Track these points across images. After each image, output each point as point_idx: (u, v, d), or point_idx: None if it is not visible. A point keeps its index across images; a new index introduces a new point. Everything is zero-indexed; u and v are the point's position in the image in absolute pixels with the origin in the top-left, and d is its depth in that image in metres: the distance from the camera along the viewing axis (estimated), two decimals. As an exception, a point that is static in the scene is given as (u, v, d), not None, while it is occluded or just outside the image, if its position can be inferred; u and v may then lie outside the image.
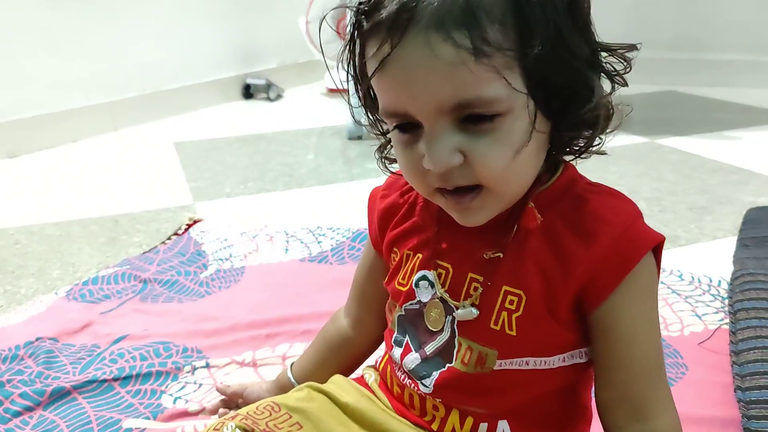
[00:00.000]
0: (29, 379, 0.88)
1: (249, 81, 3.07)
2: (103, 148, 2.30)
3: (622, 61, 0.50)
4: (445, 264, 0.55)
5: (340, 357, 0.71)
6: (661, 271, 0.53)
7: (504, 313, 0.51)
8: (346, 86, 0.54)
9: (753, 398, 0.77)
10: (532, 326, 0.51)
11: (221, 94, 2.99)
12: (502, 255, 0.52)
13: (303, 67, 3.38)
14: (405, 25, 0.42)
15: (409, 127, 0.48)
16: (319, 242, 1.34)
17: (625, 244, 0.49)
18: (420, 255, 0.57)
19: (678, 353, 0.94)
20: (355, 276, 0.70)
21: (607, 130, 0.51)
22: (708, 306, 1.06)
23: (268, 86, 3.03)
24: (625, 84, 0.50)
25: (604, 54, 0.50)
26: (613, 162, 1.85)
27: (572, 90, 0.47)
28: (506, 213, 0.52)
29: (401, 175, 0.60)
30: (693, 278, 1.14)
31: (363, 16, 0.46)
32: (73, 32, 2.34)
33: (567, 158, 0.54)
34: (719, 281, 1.12)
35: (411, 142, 0.48)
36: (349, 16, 0.49)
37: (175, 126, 2.61)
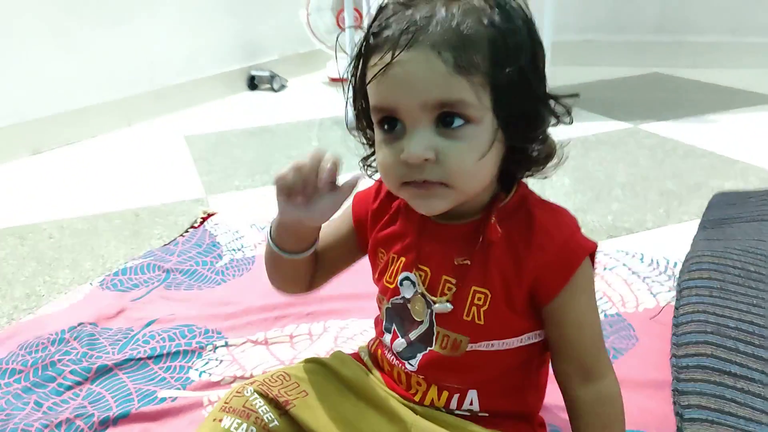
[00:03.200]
0: (76, 358, 1.03)
1: (254, 72, 3.20)
2: (119, 143, 2.44)
3: (565, 107, 0.63)
4: (424, 267, 0.66)
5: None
6: (596, 266, 0.67)
7: (474, 308, 0.64)
8: (346, 76, 0.65)
9: (683, 364, 0.92)
10: (496, 317, 0.64)
11: (228, 86, 3.12)
12: (469, 262, 0.64)
13: (304, 58, 3.51)
14: (408, 42, 0.55)
15: (392, 125, 0.58)
16: (321, 232, 1.49)
17: (567, 253, 0.61)
18: (403, 259, 0.68)
19: (631, 327, 1.08)
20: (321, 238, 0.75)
21: (551, 162, 0.64)
22: (662, 285, 1.20)
23: (272, 77, 3.16)
24: (570, 122, 0.63)
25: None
26: (593, 148, 1.98)
27: (528, 119, 0.60)
28: (473, 227, 0.64)
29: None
30: (652, 260, 1.29)
31: (372, 36, 0.58)
32: (87, 35, 2.48)
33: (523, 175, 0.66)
34: (675, 263, 1.26)
35: (392, 140, 0.59)
36: (360, 36, 0.61)
37: (185, 119, 2.75)
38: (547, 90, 0.61)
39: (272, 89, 3.18)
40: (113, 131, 2.57)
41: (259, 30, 3.30)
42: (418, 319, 0.68)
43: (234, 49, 3.18)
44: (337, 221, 0.77)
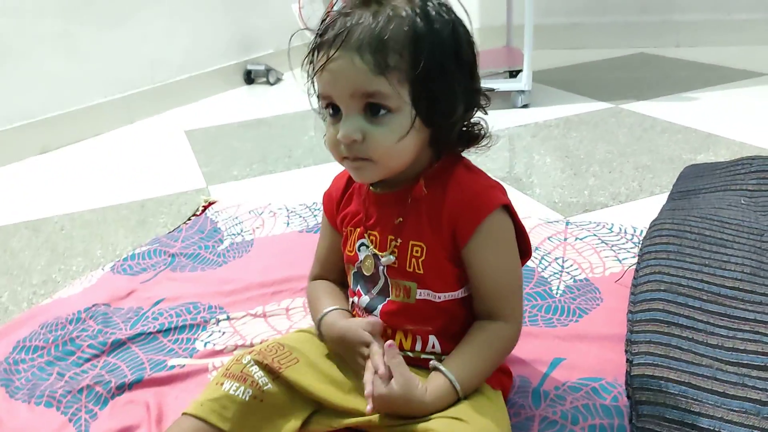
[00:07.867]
0: (93, 334, 1.14)
1: (250, 67, 3.30)
2: (122, 139, 2.55)
3: (486, 97, 0.75)
4: (373, 232, 0.80)
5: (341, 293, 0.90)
6: (522, 225, 0.78)
7: (413, 259, 0.76)
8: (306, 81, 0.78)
9: (637, 319, 1.02)
10: (433, 266, 0.76)
11: (225, 81, 3.22)
12: (402, 219, 0.77)
13: (299, 51, 3.59)
14: (339, 45, 0.68)
15: (336, 110, 0.71)
16: (314, 215, 1.59)
17: (476, 204, 0.73)
18: (358, 229, 0.82)
19: (597, 290, 1.18)
20: (318, 251, 0.93)
21: (481, 144, 0.76)
22: (628, 252, 1.30)
23: (268, 71, 3.25)
24: (485, 113, 0.76)
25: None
26: (574, 128, 2.06)
27: (444, 109, 0.71)
28: (405, 191, 0.76)
29: None
30: (620, 229, 1.39)
31: (318, 37, 0.72)
32: (89, 37, 2.58)
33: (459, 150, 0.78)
34: (641, 231, 1.36)
35: (334, 123, 0.72)
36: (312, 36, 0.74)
37: (185, 114, 2.85)
38: (477, 81, 0.74)
39: (268, 83, 3.27)
40: (117, 128, 2.68)
41: (254, 24, 3.39)
42: (368, 273, 0.80)
43: (230, 45, 3.27)
44: (324, 236, 0.92)
